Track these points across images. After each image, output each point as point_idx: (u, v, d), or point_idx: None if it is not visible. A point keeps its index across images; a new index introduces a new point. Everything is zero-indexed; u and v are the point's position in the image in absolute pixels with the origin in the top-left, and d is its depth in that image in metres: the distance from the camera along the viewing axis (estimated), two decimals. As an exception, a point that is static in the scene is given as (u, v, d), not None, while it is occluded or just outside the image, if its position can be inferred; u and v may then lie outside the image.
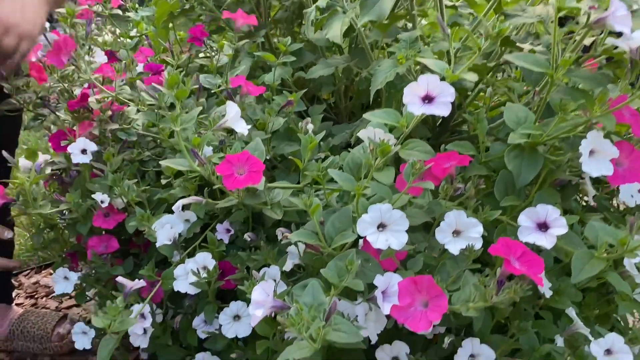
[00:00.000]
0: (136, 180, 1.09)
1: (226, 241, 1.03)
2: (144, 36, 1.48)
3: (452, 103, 1.16)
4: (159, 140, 1.21)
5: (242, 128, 0.83)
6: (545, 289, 0.80)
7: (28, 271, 1.80)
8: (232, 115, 0.81)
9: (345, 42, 1.38)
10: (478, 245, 0.69)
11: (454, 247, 0.69)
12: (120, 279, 0.94)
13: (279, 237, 0.87)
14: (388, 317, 0.78)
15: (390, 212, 0.69)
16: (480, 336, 0.84)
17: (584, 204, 1.17)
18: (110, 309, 0.83)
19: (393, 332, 0.88)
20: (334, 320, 0.66)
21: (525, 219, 0.70)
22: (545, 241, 0.68)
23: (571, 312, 0.90)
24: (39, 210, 1.03)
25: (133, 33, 1.52)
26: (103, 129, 1.11)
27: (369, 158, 0.70)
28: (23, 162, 1.06)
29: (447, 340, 0.85)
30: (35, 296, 1.69)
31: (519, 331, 0.84)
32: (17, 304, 1.64)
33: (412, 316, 0.61)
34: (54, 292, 1.72)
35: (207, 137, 0.80)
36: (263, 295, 0.63)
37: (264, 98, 1.03)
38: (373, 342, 0.75)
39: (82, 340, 1.14)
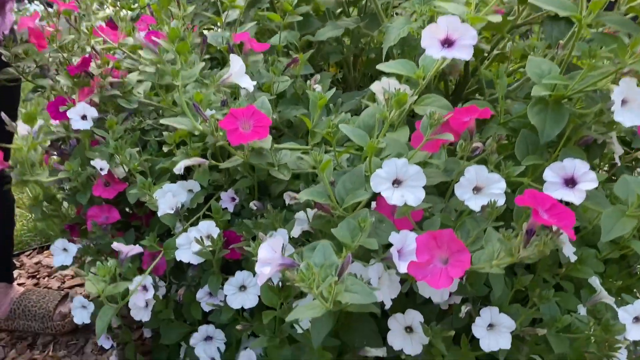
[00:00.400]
0: (138, 149, 1.05)
1: (231, 210, 0.99)
2: (146, 8, 1.44)
3: (467, 69, 1.12)
4: (160, 111, 1.17)
5: (247, 83, 0.78)
6: (570, 252, 0.75)
7: (30, 251, 1.77)
8: (237, 69, 0.77)
9: (354, 11, 1.33)
10: (501, 201, 0.64)
11: (475, 203, 0.65)
12: (116, 244, 0.90)
13: (287, 202, 0.83)
14: (402, 282, 0.74)
15: (407, 167, 0.64)
16: (498, 306, 0.80)
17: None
18: (100, 269, 0.78)
19: (406, 302, 0.84)
20: (347, 281, 0.61)
21: (551, 174, 0.65)
22: (574, 197, 0.63)
23: (595, 281, 0.85)
24: (36, 177, 0.99)
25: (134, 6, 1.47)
26: (103, 96, 1.07)
27: (383, 111, 0.66)
28: (21, 128, 1.02)
29: (464, 309, 0.81)
30: (37, 276, 1.66)
31: (540, 299, 0.79)
32: (18, 284, 1.61)
33: (431, 273, 0.56)
34: (56, 271, 1.70)
35: (210, 93, 0.75)
36: (270, 253, 0.59)
37: (270, 61, 0.98)
38: (387, 307, 0.71)
39: (81, 314, 1.11)
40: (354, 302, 0.59)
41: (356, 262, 0.70)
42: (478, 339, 0.82)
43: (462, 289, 0.84)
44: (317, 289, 0.55)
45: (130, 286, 0.91)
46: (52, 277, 1.66)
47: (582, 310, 0.83)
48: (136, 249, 0.92)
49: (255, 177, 0.98)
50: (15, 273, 1.66)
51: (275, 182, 1.01)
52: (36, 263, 1.72)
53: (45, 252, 1.77)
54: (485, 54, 1.03)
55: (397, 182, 0.65)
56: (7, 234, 1.47)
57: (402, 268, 0.61)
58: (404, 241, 0.63)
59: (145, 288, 0.96)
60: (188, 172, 1.08)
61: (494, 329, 0.79)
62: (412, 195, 0.63)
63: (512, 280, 0.85)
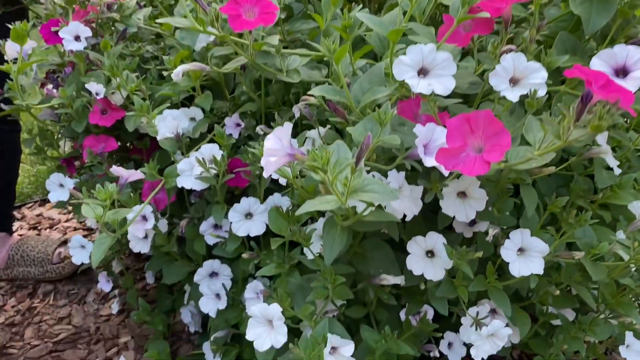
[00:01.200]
0: (137, 74, 0.98)
1: (236, 136, 0.92)
2: None
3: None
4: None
5: (253, -25, 0.70)
6: (614, 164, 0.67)
7: (31, 204, 1.72)
8: (242, -41, 0.69)
9: None
10: (542, 91, 0.56)
11: (512, 94, 0.56)
12: (114, 168, 0.83)
13: (297, 115, 0.75)
14: (425, 195, 0.66)
15: (434, 54, 0.56)
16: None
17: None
18: (99, 192, 0.72)
19: (425, 231, 0.76)
20: (365, 181, 0.54)
21: (599, 63, 0.57)
22: (627, 85, 0.55)
23: (635, 205, 0.77)
24: (28, 101, 0.92)
25: None
26: (100, 18, 0.99)
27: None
28: (10, 49, 0.95)
29: (491, 232, 0.74)
30: (38, 227, 1.61)
31: (577, 222, 0.71)
32: (19, 235, 1.56)
33: (464, 161, 0.49)
34: (57, 223, 1.65)
35: (212, -14, 0.68)
36: (277, 143, 0.52)
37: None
38: (409, 217, 0.63)
39: (80, 254, 1.05)
40: (372, 201, 0.52)
41: (373, 168, 0.62)
42: (505, 270, 0.75)
43: (488, 214, 0.76)
44: (331, 175, 0.47)
45: (129, 215, 0.85)
46: (53, 228, 1.61)
47: (621, 236, 0.76)
48: (137, 174, 0.85)
49: (263, 100, 0.90)
50: (16, 225, 1.61)
51: (284, 109, 0.94)
52: (37, 215, 1.66)
53: (46, 204, 1.72)
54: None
55: (423, 72, 0.57)
56: (9, 184, 1.41)
57: (429, 162, 0.53)
58: (431, 135, 0.55)
59: (144, 218, 0.89)
60: (190, 102, 1.01)
61: (525, 254, 0.71)
62: (440, 84, 0.56)
63: (543, 203, 0.77)
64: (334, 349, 0.67)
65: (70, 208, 1.68)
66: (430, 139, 0.55)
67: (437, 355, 0.86)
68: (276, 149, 0.51)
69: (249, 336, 0.71)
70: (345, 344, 0.66)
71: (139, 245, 0.91)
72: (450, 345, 0.88)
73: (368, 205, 0.58)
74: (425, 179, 0.63)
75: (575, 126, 0.45)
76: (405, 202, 0.62)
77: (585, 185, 0.80)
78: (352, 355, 0.66)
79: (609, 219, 0.81)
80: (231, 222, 0.83)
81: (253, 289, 0.84)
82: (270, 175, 0.85)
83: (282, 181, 0.70)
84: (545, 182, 0.82)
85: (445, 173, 0.54)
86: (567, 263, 0.76)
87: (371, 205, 0.57)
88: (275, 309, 0.70)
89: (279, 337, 0.70)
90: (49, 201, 1.74)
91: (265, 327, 0.72)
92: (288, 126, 0.52)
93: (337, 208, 0.57)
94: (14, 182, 1.44)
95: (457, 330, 0.81)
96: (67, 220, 1.64)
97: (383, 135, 0.56)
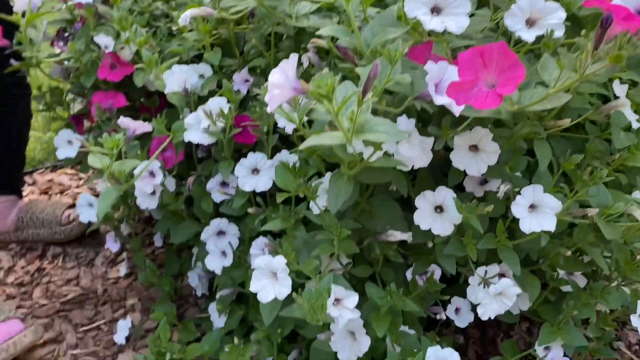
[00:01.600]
0: (147, 29, 0.97)
1: (244, 92, 0.90)
2: None
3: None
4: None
5: None
6: (633, 118, 0.64)
7: (42, 170, 1.73)
8: None
9: None
10: (559, 32, 0.54)
11: (528, 34, 0.54)
12: (122, 119, 0.83)
13: (305, 64, 0.73)
14: (436, 143, 0.64)
15: (448, -9, 0.54)
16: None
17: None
18: (107, 141, 0.71)
19: (434, 188, 0.74)
20: (371, 121, 0.52)
21: (622, 3, 0.54)
22: (650, 26, 0.52)
23: (654, 167, 0.75)
24: (37, 54, 0.91)
25: None
26: (109, -28, 0.98)
27: None
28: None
29: (502, 189, 0.72)
30: (49, 193, 1.62)
31: (592, 180, 0.69)
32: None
33: (475, 95, 0.47)
34: (68, 189, 1.65)
35: None
36: (283, 77, 0.50)
37: None
38: (418, 166, 0.62)
39: (87, 212, 1.06)
40: (379, 140, 0.51)
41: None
42: (515, 232, 0.74)
43: (499, 170, 0.75)
44: (337, 106, 0.46)
45: (136, 170, 0.84)
46: (64, 194, 1.61)
47: (637, 196, 0.73)
48: (144, 126, 0.84)
49: (273, 56, 0.89)
50: (27, 190, 1.62)
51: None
52: (48, 181, 1.67)
53: (58, 170, 1.73)
54: None
55: (436, 11, 0.55)
56: (20, 148, 1.41)
57: (440, 100, 0.52)
58: (443, 73, 0.53)
59: (152, 174, 0.89)
60: (199, 61, 1.00)
61: (537, 210, 0.70)
62: (453, 22, 0.54)
63: (557, 163, 0.75)
64: (337, 300, 0.66)
65: (81, 175, 1.70)
66: (442, 78, 0.54)
67: (444, 318, 0.85)
68: (282, 83, 0.50)
69: (252, 288, 0.70)
70: (349, 295, 0.65)
71: (147, 201, 0.91)
72: (457, 310, 0.86)
73: (376, 149, 0.56)
74: (436, 126, 0.61)
75: (593, 57, 0.43)
76: (415, 150, 0.60)
77: (601, 146, 0.77)
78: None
79: (625, 181, 0.78)
80: (238, 177, 0.82)
81: (258, 246, 0.84)
82: (277, 132, 0.85)
83: (289, 130, 0.68)
84: (559, 144, 0.80)
85: (457, 112, 0.52)
86: (580, 224, 0.73)
87: (378, 148, 0.56)
88: (280, 260, 0.69)
89: (283, 289, 0.69)
90: (60, 167, 1.76)
91: (270, 280, 0.71)
92: (294, 58, 0.50)
93: (343, 151, 0.56)
94: (24, 145, 1.45)
95: (465, 296, 0.80)
96: (77, 187, 1.64)
97: (393, 75, 0.55)
